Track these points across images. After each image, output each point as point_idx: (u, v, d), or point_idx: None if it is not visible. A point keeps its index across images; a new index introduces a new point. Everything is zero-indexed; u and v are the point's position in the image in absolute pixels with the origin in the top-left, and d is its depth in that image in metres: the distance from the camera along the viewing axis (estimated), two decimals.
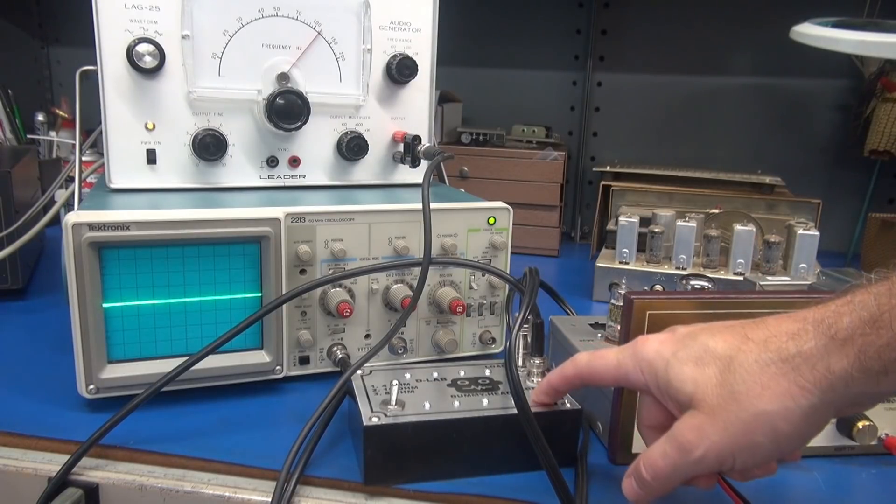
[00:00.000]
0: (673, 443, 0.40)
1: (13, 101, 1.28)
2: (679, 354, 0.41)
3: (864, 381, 0.35)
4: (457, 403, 0.53)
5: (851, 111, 1.27)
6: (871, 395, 0.37)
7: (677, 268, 0.92)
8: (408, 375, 0.57)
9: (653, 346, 0.43)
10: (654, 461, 0.41)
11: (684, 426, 0.40)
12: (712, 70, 1.33)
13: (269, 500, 0.48)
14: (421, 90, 0.79)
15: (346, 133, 0.75)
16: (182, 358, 0.56)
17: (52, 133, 1.33)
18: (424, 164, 0.78)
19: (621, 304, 0.54)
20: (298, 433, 0.52)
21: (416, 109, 0.79)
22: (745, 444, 0.38)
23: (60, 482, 0.50)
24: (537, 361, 0.57)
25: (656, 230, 0.93)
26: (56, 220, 0.83)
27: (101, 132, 0.68)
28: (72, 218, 0.55)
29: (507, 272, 0.69)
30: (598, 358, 0.47)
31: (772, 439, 0.37)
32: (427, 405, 0.52)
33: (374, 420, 0.50)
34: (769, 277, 0.81)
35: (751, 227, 0.90)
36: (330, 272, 0.65)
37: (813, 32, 1.00)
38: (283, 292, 0.61)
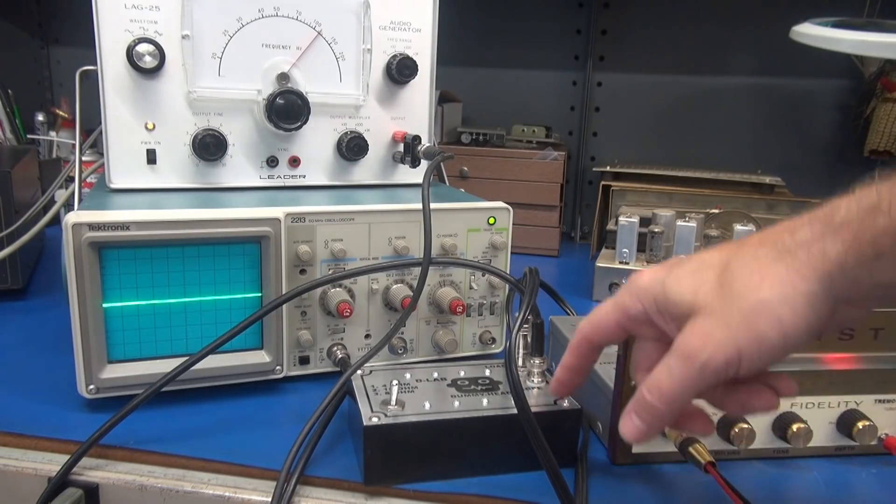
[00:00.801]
0: (677, 354, 0.38)
1: (13, 101, 1.28)
2: (674, 272, 0.41)
3: (859, 267, 0.34)
4: (457, 403, 0.53)
5: (851, 111, 1.27)
6: (866, 286, 0.35)
7: None
8: (408, 375, 0.57)
9: (647, 275, 0.42)
10: (658, 382, 0.39)
11: (686, 334, 0.38)
12: (712, 70, 1.33)
13: (269, 500, 0.48)
14: (421, 90, 0.79)
15: (346, 133, 0.75)
16: (182, 358, 0.56)
17: (52, 133, 1.33)
18: (424, 164, 0.78)
19: None
20: (298, 433, 0.52)
21: (416, 109, 0.79)
22: (750, 337, 0.36)
23: (60, 482, 0.50)
24: (537, 361, 0.57)
25: (656, 230, 0.93)
26: (56, 220, 0.83)
27: (101, 132, 0.68)
28: (72, 218, 0.55)
29: (507, 272, 0.69)
30: (594, 312, 0.45)
31: (777, 330, 0.36)
32: (427, 405, 0.52)
33: (374, 420, 0.50)
34: None
35: (751, 227, 0.90)
36: (330, 272, 0.65)
37: (813, 32, 1.00)
38: (283, 292, 0.61)
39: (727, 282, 0.37)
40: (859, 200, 0.35)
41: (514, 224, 0.71)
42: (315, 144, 0.75)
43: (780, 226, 0.38)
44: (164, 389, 0.55)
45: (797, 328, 0.36)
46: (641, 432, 0.41)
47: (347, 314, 0.64)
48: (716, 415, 0.54)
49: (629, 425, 0.41)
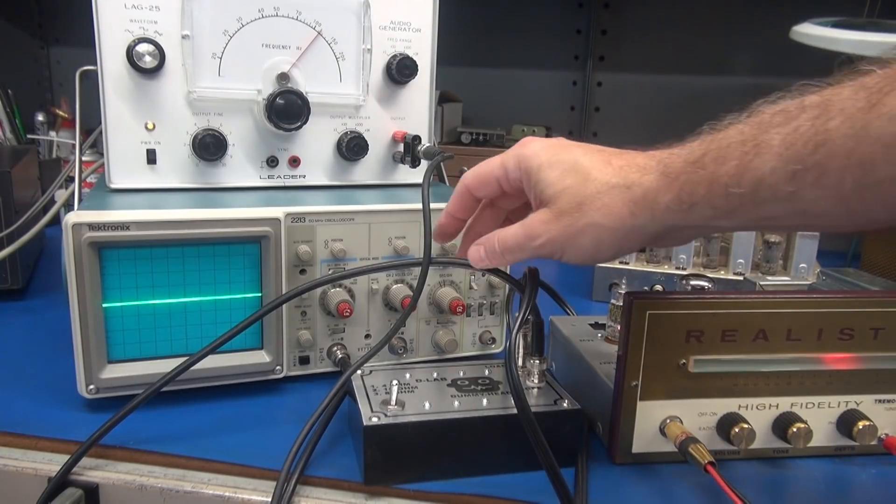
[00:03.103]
0: (525, 228, 0.48)
1: (13, 101, 1.28)
2: (552, 160, 0.48)
3: (679, 213, 0.42)
4: (457, 403, 0.53)
5: None
6: (681, 227, 0.44)
7: (677, 268, 0.92)
8: (408, 375, 0.57)
9: (534, 147, 0.49)
10: (506, 238, 0.49)
11: (536, 218, 0.48)
12: (712, 70, 1.33)
13: (269, 500, 0.48)
14: (421, 90, 0.78)
15: (346, 133, 0.75)
16: (182, 358, 0.56)
17: (52, 133, 1.33)
18: (424, 164, 0.78)
19: (621, 304, 0.54)
20: (298, 433, 0.52)
21: (416, 109, 0.79)
22: (573, 244, 0.46)
23: (60, 482, 0.50)
24: (537, 361, 0.57)
25: None
26: (56, 220, 0.83)
27: (101, 132, 0.68)
28: (72, 218, 0.55)
29: (508, 272, 0.69)
30: (480, 166, 0.53)
31: (595, 247, 0.46)
32: (427, 405, 0.52)
33: (374, 420, 0.50)
34: (769, 277, 0.82)
35: None
36: (330, 272, 0.65)
37: (813, 32, 1.00)
38: (283, 292, 0.61)
39: (580, 193, 0.46)
40: (687, 155, 0.42)
41: None
42: (315, 144, 0.75)
43: (637, 158, 0.46)
44: (164, 389, 0.55)
45: (610, 247, 0.46)
46: (483, 263, 0.52)
47: (347, 314, 0.64)
48: (715, 415, 0.54)
49: (475, 254, 0.52)
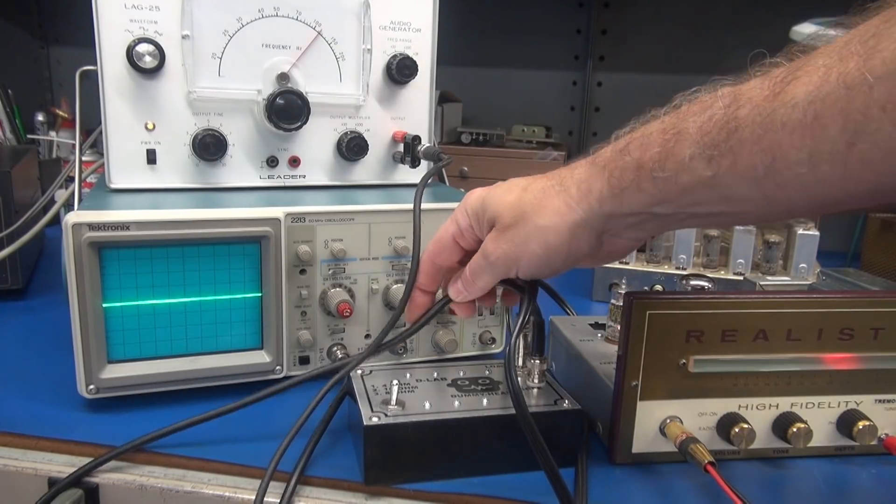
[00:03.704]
0: (481, 250, 0.51)
1: (13, 101, 1.28)
2: (492, 191, 0.51)
3: (612, 198, 0.44)
4: (457, 403, 0.53)
5: None
6: (618, 215, 0.44)
7: (677, 268, 0.92)
8: (408, 375, 0.57)
9: (476, 193, 0.52)
10: (471, 265, 0.52)
11: (488, 240, 0.50)
12: (712, 70, 1.32)
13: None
14: (421, 90, 0.78)
15: (346, 133, 0.75)
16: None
17: (52, 133, 1.33)
18: (425, 164, 0.78)
19: (621, 304, 0.54)
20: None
21: (416, 109, 0.79)
22: (524, 252, 0.48)
23: (69, 485, 0.50)
24: (537, 361, 0.57)
25: None
26: (56, 220, 0.83)
27: (101, 132, 0.68)
28: (72, 218, 0.55)
29: None
30: (438, 232, 0.56)
31: (544, 249, 0.47)
32: (427, 405, 0.52)
33: (374, 420, 0.50)
34: (769, 277, 0.82)
35: (751, 227, 0.90)
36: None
37: (813, 32, 1.00)
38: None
39: (521, 203, 0.48)
40: (615, 146, 0.44)
41: None
42: (315, 144, 0.75)
43: (568, 166, 0.48)
44: (165, 390, 0.55)
45: (559, 250, 0.47)
46: (462, 294, 0.54)
47: (347, 314, 0.64)
48: (715, 415, 0.54)
49: (454, 289, 0.55)
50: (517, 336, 0.53)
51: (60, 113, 1.34)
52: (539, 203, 0.47)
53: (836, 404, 0.55)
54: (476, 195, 0.52)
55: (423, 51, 0.77)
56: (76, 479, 0.50)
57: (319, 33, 0.72)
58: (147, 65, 0.66)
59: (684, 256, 0.91)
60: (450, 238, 0.55)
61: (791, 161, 0.35)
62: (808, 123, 0.34)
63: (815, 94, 0.33)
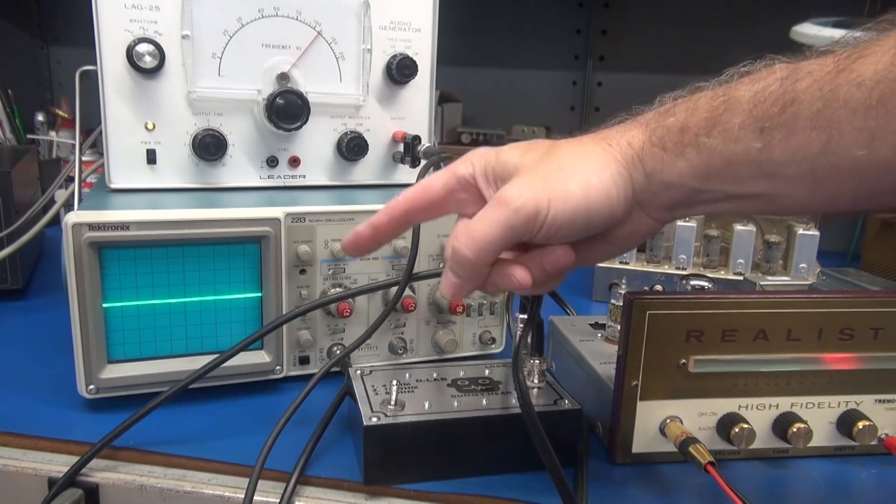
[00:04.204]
0: (493, 202, 0.41)
1: (13, 101, 1.28)
2: (507, 146, 0.45)
3: (652, 159, 0.40)
4: (457, 403, 0.53)
5: None
6: (656, 184, 0.40)
7: (677, 268, 0.92)
8: (408, 375, 0.57)
9: (484, 148, 0.46)
10: (470, 229, 0.41)
11: (505, 188, 0.41)
12: (712, 70, 1.32)
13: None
14: (421, 90, 0.78)
15: (346, 133, 0.75)
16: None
17: (52, 133, 1.33)
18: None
19: (621, 304, 0.54)
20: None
21: (416, 109, 0.79)
22: (560, 190, 0.40)
23: (67, 484, 0.50)
24: (537, 361, 0.57)
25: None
26: (56, 220, 0.83)
27: (101, 132, 0.68)
28: (72, 218, 0.55)
29: None
30: (426, 180, 0.47)
31: (584, 190, 0.40)
32: (427, 405, 0.52)
33: (374, 420, 0.50)
34: (769, 277, 0.82)
35: (751, 227, 0.90)
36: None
37: (813, 32, 1.00)
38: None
39: (552, 152, 0.43)
40: (659, 107, 0.42)
41: None
42: (315, 144, 0.75)
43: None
44: (165, 390, 0.55)
45: (599, 196, 0.40)
46: (457, 286, 0.43)
47: (347, 314, 0.64)
48: (715, 415, 0.54)
49: (446, 283, 0.43)
50: (525, 333, 0.53)
51: (60, 113, 1.34)
52: (573, 149, 0.42)
53: (836, 404, 0.55)
54: (484, 149, 0.46)
55: (423, 51, 0.77)
56: (71, 477, 0.50)
57: (319, 33, 0.72)
58: (147, 65, 0.66)
59: (684, 256, 0.91)
60: (440, 188, 0.46)
61: (848, 142, 0.33)
62: (872, 104, 0.32)
63: (883, 75, 0.31)
